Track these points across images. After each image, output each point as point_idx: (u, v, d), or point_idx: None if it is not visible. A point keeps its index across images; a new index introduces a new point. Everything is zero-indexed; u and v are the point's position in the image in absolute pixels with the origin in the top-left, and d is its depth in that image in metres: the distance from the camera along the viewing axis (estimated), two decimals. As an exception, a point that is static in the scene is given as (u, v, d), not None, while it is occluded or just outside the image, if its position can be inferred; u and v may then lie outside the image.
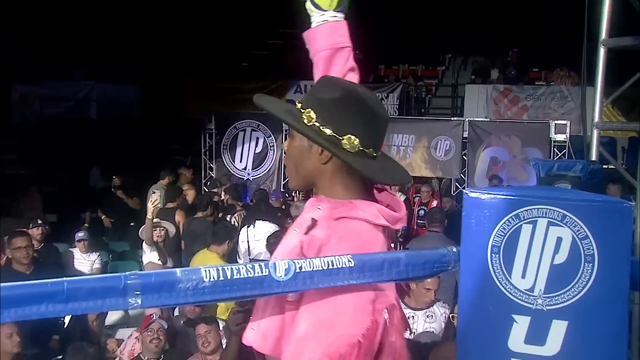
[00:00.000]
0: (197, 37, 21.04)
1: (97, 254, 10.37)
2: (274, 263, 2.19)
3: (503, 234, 2.25)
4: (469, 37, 22.72)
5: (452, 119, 17.78)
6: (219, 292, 2.12)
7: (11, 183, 15.79)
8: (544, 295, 2.24)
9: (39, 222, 10.07)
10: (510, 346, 2.27)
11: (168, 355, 6.27)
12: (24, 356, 6.50)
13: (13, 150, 18.40)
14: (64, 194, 16.18)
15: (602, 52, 6.84)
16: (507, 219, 2.24)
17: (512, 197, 2.27)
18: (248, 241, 9.60)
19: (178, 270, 2.13)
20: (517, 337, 2.26)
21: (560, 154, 14.54)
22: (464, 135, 15.99)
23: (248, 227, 9.82)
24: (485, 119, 17.11)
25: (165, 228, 10.04)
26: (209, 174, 16.89)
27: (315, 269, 2.20)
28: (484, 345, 2.30)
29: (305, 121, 2.50)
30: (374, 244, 2.39)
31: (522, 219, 2.24)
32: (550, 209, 2.22)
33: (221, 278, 2.12)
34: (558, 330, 2.24)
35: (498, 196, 2.27)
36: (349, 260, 2.22)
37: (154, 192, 11.95)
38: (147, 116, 20.58)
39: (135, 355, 6.59)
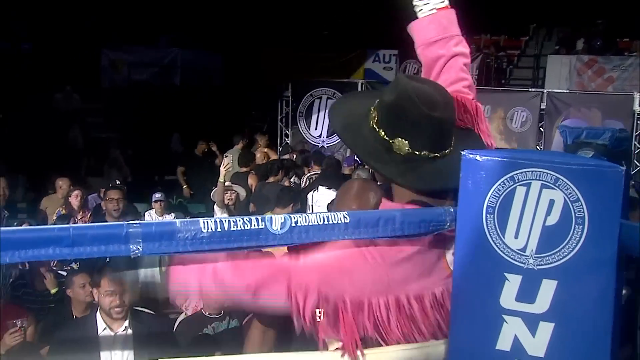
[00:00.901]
0: (277, 7, 20.95)
1: (173, 215, 10.45)
2: (271, 217, 2.28)
3: (498, 195, 2.32)
4: (554, 6, 22.26)
5: (530, 90, 17.52)
6: (217, 242, 2.22)
7: (97, 145, 16.02)
8: (536, 255, 2.30)
9: (118, 182, 10.29)
10: (502, 303, 2.34)
11: (227, 311, 6.38)
12: (95, 305, 6.68)
13: (100, 114, 18.64)
14: (146, 157, 16.30)
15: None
16: (502, 181, 2.31)
17: (507, 160, 2.33)
18: (312, 205, 9.65)
19: (177, 220, 2.24)
20: (508, 294, 2.33)
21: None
22: (542, 107, 15.77)
23: (313, 192, 9.89)
24: (565, 91, 16.81)
25: (236, 191, 10.16)
26: (285, 140, 16.96)
27: (310, 223, 2.29)
28: (477, 301, 2.38)
29: (371, 122, 2.67)
30: None
31: (516, 181, 2.30)
32: (543, 172, 2.28)
33: (219, 229, 2.21)
34: (548, 289, 2.30)
35: (494, 158, 2.34)
36: (344, 217, 2.32)
37: (226, 156, 12.06)
38: (227, 83, 20.61)
39: (198, 310, 6.74)
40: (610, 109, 15.27)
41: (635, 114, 14.71)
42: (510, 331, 2.34)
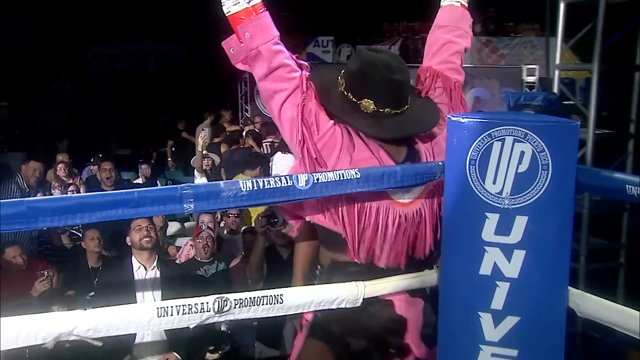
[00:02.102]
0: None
1: (157, 180, 10.42)
2: (297, 176, 2.28)
3: (478, 150, 2.33)
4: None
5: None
6: (254, 198, 2.22)
7: (88, 124, 15.81)
8: (510, 197, 2.33)
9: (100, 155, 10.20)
10: (483, 237, 2.36)
11: (216, 256, 6.36)
12: (104, 255, 6.67)
13: (90, 99, 18.37)
14: (136, 134, 16.15)
15: (562, 6, 6.88)
16: (481, 137, 2.32)
17: (486, 120, 2.35)
18: (271, 167, 9.60)
19: (222, 182, 2.23)
20: (488, 229, 2.36)
21: (530, 93, 14.48)
22: (452, 78, 15.86)
23: (272, 156, 9.84)
24: (470, 65, 16.98)
25: (212, 158, 10.09)
26: (245, 114, 16.88)
27: (329, 180, 2.29)
28: (463, 236, 2.40)
29: (340, 88, 2.66)
30: None
31: (493, 137, 2.32)
32: (515, 129, 2.30)
33: (255, 188, 2.21)
34: (520, 223, 2.33)
35: (474, 120, 2.36)
36: (356, 173, 2.33)
37: (203, 130, 11.98)
38: (193, 69, 20.39)
39: (191, 257, 6.72)
40: (505, 79, 15.58)
41: (524, 83, 14.91)
42: (491, 259, 2.37)
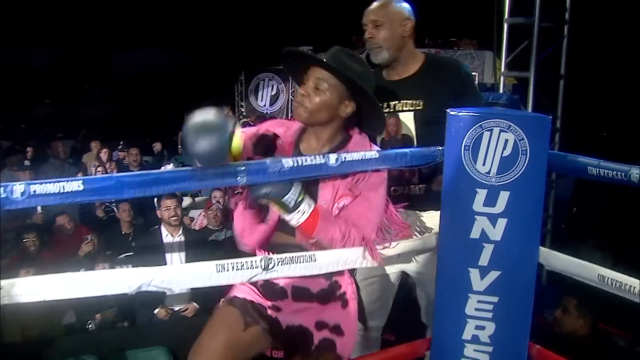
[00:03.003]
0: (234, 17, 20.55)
1: (171, 163, 10.35)
2: (328, 155, 2.25)
3: (472, 138, 2.36)
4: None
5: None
6: (294, 173, 2.19)
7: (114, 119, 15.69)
8: (496, 176, 2.36)
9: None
10: (474, 208, 2.40)
11: (225, 225, 6.40)
12: (134, 224, 6.69)
13: (114, 98, 18.22)
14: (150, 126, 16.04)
15: (505, 26, 6.99)
16: (474, 128, 2.35)
17: (477, 114, 2.38)
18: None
19: (268, 160, 2.19)
20: (478, 202, 2.39)
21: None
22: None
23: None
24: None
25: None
26: (241, 110, 16.82)
27: (354, 159, 2.28)
28: (458, 207, 2.44)
29: None
30: None
31: (483, 128, 2.35)
32: (501, 121, 2.33)
33: (295, 165, 2.19)
34: (504, 197, 2.37)
35: (468, 114, 2.38)
36: (375, 154, 2.33)
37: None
38: (195, 73, 20.25)
39: (204, 226, 6.74)
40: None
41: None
42: (479, 225, 2.40)
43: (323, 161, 2.24)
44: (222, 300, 2.49)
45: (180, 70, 20.05)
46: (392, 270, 3.06)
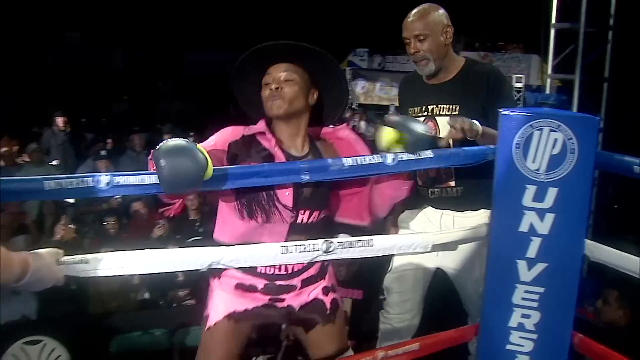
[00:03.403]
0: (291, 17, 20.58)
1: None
2: (386, 155, 2.22)
3: (523, 136, 2.30)
4: (462, 23, 22.10)
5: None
6: (354, 171, 2.17)
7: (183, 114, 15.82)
8: (545, 173, 2.30)
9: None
10: (524, 203, 2.34)
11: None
12: (201, 211, 6.75)
13: (186, 95, 18.39)
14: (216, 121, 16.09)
15: (552, 31, 6.88)
16: (525, 127, 2.30)
17: (528, 114, 2.32)
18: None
19: (329, 159, 2.19)
20: (528, 197, 2.33)
21: (518, 95, 14.37)
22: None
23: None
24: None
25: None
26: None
27: (410, 158, 2.25)
28: (509, 202, 2.39)
29: None
30: None
31: (534, 127, 2.29)
32: (551, 121, 2.27)
33: (355, 164, 2.17)
34: (552, 193, 2.31)
35: (520, 114, 2.33)
36: (430, 153, 2.29)
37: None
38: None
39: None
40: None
41: (513, 88, 14.80)
42: (528, 219, 2.35)
43: (381, 160, 2.21)
44: (221, 318, 2.35)
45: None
46: (429, 266, 2.98)
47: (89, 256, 1.94)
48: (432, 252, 2.56)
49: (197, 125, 12.85)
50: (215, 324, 2.33)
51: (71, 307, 4.91)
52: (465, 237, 2.55)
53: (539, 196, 2.33)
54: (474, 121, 2.49)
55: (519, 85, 14.62)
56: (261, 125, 2.28)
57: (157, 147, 1.86)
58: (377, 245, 2.28)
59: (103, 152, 7.10)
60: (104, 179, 1.87)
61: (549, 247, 2.35)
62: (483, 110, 2.69)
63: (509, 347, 2.47)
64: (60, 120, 8.64)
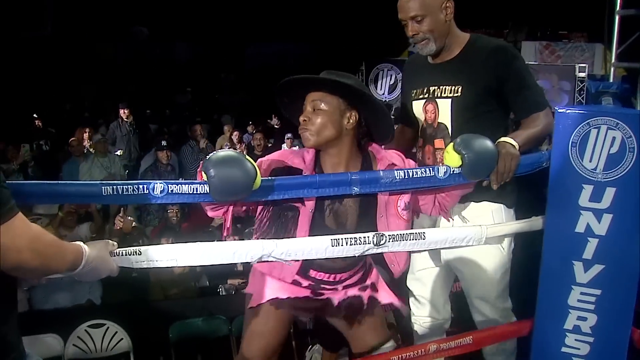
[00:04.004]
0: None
1: (297, 146, 10.38)
2: (437, 167, 2.17)
3: (579, 135, 2.23)
4: (526, 11, 21.61)
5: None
6: (404, 184, 2.14)
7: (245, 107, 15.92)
8: (603, 172, 2.22)
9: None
10: (580, 203, 2.27)
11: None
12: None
13: (247, 87, 18.50)
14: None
15: (617, 18, 6.68)
16: (582, 125, 2.22)
17: (585, 112, 2.25)
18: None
19: (381, 171, 2.15)
20: (584, 197, 2.26)
21: (582, 85, 13.98)
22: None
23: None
24: (535, 63, 16.49)
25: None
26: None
27: (460, 172, 2.19)
28: (564, 202, 2.31)
29: None
30: None
31: (591, 125, 2.21)
32: (608, 119, 2.19)
33: (406, 177, 2.13)
34: (610, 193, 2.23)
35: (576, 111, 2.25)
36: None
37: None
38: (319, 64, 20.19)
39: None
40: (562, 74, 15.05)
41: (577, 78, 14.42)
42: (584, 220, 2.28)
43: (432, 174, 2.16)
44: (265, 301, 2.37)
45: (306, 61, 20.16)
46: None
47: (142, 248, 1.98)
48: (448, 251, 2.50)
49: (257, 116, 12.97)
50: (258, 305, 2.36)
51: (132, 294, 5.02)
52: (521, 229, 2.45)
53: (596, 196, 2.25)
54: (513, 151, 2.27)
55: (582, 75, 14.25)
56: (305, 159, 2.26)
57: (207, 157, 1.91)
58: (430, 238, 2.23)
59: (164, 143, 7.17)
60: (158, 186, 1.92)
61: (606, 249, 2.27)
62: (491, 92, 2.45)
63: (564, 349, 2.40)
64: (124, 112, 8.83)
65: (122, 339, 4.06)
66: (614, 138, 2.19)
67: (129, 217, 5.88)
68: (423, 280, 2.81)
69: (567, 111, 2.25)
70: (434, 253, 2.67)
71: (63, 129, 10.27)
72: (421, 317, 2.86)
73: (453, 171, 2.17)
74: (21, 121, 10.71)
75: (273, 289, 2.35)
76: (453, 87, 2.49)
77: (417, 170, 2.15)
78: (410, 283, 2.86)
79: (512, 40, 22.29)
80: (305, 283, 2.34)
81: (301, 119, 2.20)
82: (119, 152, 8.39)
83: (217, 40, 18.21)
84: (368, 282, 2.44)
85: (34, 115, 9.97)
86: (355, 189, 2.09)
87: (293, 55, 19.50)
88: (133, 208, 6.74)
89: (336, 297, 2.38)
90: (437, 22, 2.43)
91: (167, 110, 14.38)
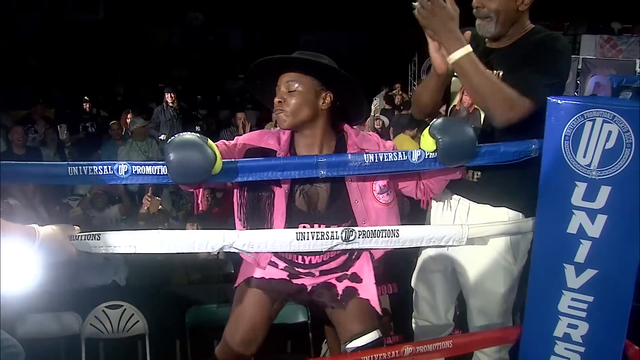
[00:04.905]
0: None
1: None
2: (411, 151, 2.06)
3: (572, 128, 2.04)
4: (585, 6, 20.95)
5: (572, 56, 16.74)
6: (374, 168, 2.04)
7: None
8: (597, 169, 2.04)
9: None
10: (573, 201, 2.09)
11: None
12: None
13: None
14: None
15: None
16: (575, 117, 2.03)
17: (579, 103, 2.06)
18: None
19: (349, 154, 2.06)
20: (577, 196, 2.08)
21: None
22: (578, 67, 14.94)
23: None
24: (594, 57, 15.96)
25: (382, 120, 9.91)
26: (413, 88, 16.58)
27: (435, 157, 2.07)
28: (556, 200, 2.13)
29: None
30: None
31: (585, 117, 2.02)
32: (605, 111, 2.00)
33: (376, 160, 2.03)
34: (604, 192, 2.05)
35: (570, 102, 2.06)
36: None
37: (375, 99, 11.86)
38: (376, 55, 20.05)
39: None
40: (621, 70, 14.44)
41: (637, 73, 13.95)
42: (577, 220, 2.09)
43: (405, 158, 2.05)
44: (242, 281, 2.40)
45: (360, 50, 19.98)
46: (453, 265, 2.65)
47: (101, 233, 1.98)
48: (454, 254, 2.39)
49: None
50: (237, 285, 2.41)
51: (157, 277, 5.03)
52: (508, 230, 2.29)
53: (590, 195, 2.07)
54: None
55: (642, 70, 13.77)
56: (281, 140, 2.24)
57: (169, 141, 1.90)
58: (404, 236, 2.11)
59: (197, 128, 7.19)
60: (122, 167, 1.92)
61: (600, 252, 2.08)
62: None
63: (553, 358, 2.22)
64: (170, 96, 8.87)
65: (138, 321, 4.07)
66: (610, 132, 2.00)
67: (157, 198, 5.87)
68: (428, 282, 2.69)
69: (560, 102, 2.06)
70: (444, 256, 2.55)
71: (114, 112, 10.44)
72: (420, 319, 2.75)
73: (428, 156, 2.05)
74: (72, 104, 10.93)
75: (250, 270, 2.37)
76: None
77: (388, 154, 2.04)
78: (415, 283, 2.74)
79: (572, 33, 21.70)
80: (281, 265, 2.33)
81: (276, 100, 2.18)
82: (162, 137, 8.44)
83: (271, 27, 18.23)
84: (349, 271, 2.37)
85: (85, 97, 10.12)
86: (322, 172, 2.01)
87: (347, 43, 19.37)
88: (168, 192, 6.76)
89: (309, 283, 2.36)
90: (508, 6, 2.27)
91: (218, 97, 14.46)
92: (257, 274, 2.35)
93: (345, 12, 18.07)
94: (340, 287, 2.35)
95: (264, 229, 2.17)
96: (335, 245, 2.09)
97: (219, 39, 18.14)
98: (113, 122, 7.90)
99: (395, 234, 2.10)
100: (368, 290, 2.36)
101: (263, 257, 2.30)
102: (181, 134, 1.92)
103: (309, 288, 2.38)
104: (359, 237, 2.08)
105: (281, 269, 2.35)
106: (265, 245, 2.08)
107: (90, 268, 4.89)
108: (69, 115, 9.91)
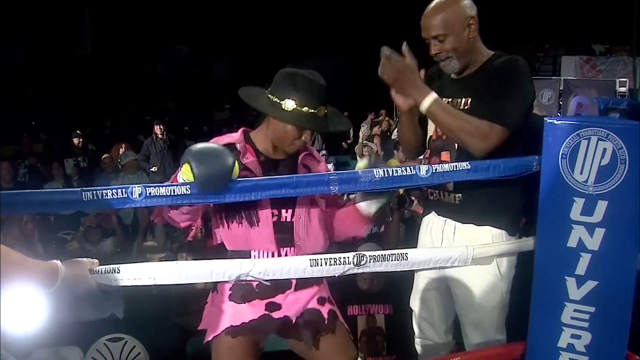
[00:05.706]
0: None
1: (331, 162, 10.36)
2: (419, 166, 2.15)
3: (569, 146, 2.16)
4: (563, 28, 21.28)
5: (552, 77, 16.96)
6: (384, 183, 2.12)
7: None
8: (594, 185, 2.14)
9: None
10: (571, 216, 2.19)
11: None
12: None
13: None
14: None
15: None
16: (572, 136, 2.15)
17: (574, 122, 2.17)
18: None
19: (360, 170, 2.15)
20: (575, 211, 2.18)
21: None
22: (560, 88, 15.16)
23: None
24: (574, 78, 16.21)
25: (371, 146, 10.05)
26: (398, 113, 16.73)
27: (445, 170, 2.16)
28: (555, 216, 2.23)
29: (266, 93, 2.24)
30: None
31: (581, 136, 2.14)
32: (599, 130, 2.11)
33: (385, 175, 2.12)
34: (601, 206, 2.15)
35: (566, 122, 2.18)
36: (467, 165, 2.18)
37: (363, 126, 11.99)
38: (360, 80, 20.25)
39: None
40: (602, 90, 14.71)
41: (617, 93, 14.20)
42: (576, 234, 2.19)
43: (414, 172, 2.14)
44: (219, 333, 2.25)
45: (344, 76, 20.17)
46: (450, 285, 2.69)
47: (121, 266, 2.02)
48: (447, 273, 2.46)
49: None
50: (214, 337, 2.26)
51: (155, 308, 5.04)
52: (510, 250, 2.39)
53: (588, 210, 2.17)
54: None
55: (622, 89, 14.01)
56: (237, 136, 2.33)
57: (187, 150, 1.96)
58: (412, 258, 2.20)
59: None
60: (136, 190, 1.96)
61: (599, 264, 2.18)
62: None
63: (558, 368, 2.31)
64: (158, 128, 8.94)
65: (139, 353, 4.09)
66: (604, 149, 2.12)
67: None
68: (426, 302, 2.74)
69: (556, 122, 2.18)
70: (438, 274, 2.60)
71: (102, 145, 10.47)
72: (423, 339, 2.79)
73: (435, 170, 2.14)
74: (63, 139, 10.96)
75: (226, 317, 2.26)
76: (464, 100, 2.44)
77: (398, 169, 2.13)
78: (413, 303, 2.79)
79: (552, 55, 22.04)
80: (254, 283, 2.23)
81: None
82: (153, 169, 8.48)
83: (256, 57, 18.41)
84: (324, 292, 2.37)
85: (77, 132, 10.17)
86: (333, 188, 2.10)
87: (332, 70, 19.54)
88: (162, 227, 6.78)
89: (292, 314, 2.27)
90: (460, 41, 2.37)
91: (205, 127, 14.54)
92: (236, 320, 2.23)
93: (329, 39, 18.29)
94: (324, 311, 2.32)
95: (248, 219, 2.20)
96: (347, 270, 2.16)
97: (205, 70, 18.29)
98: (105, 155, 7.96)
99: (405, 257, 2.19)
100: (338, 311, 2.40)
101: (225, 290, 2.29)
102: (197, 144, 2.00)
103: (294, 319, 2.28)
104: (370, 262, 2.16)
105: (258, 296, 2.25)
106: (280, 272, 2.13)
107: (88, 301, 4.90)
108: (57, 150, 9.93)
